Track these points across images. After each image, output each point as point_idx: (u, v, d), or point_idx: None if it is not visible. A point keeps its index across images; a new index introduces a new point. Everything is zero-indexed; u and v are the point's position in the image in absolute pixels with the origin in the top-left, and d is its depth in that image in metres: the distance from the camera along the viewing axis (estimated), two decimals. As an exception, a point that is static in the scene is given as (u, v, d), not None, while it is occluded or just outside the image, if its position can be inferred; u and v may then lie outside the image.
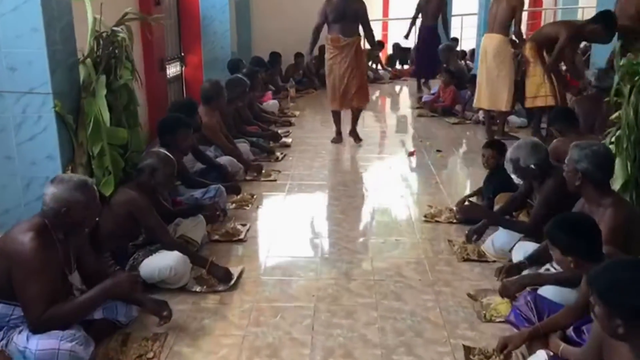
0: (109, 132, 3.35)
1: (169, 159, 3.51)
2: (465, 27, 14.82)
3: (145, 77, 6.00)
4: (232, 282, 3.40)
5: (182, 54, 7.93)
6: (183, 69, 7.97)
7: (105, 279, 2.69)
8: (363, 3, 6.43)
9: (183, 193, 4.44)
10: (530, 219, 3.61)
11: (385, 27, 15.32)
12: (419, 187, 5.31)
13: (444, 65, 9.17)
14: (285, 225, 4.41)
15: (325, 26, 6.50)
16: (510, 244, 3.59)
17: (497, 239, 3.66)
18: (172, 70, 7.52)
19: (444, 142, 7.04)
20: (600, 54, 6.48)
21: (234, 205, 4.72)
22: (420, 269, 3.68)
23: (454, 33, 13.58)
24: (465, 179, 5.58)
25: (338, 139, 6.83)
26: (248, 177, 5.48)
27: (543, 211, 3.50)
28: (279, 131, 7.26)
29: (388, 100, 10.66)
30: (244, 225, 4.33)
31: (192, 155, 4.66)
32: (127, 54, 3.57)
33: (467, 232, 3.90)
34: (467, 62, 11.27)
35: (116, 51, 3.50)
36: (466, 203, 4.59)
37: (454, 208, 4.55)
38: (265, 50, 9.94)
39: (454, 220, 4.40)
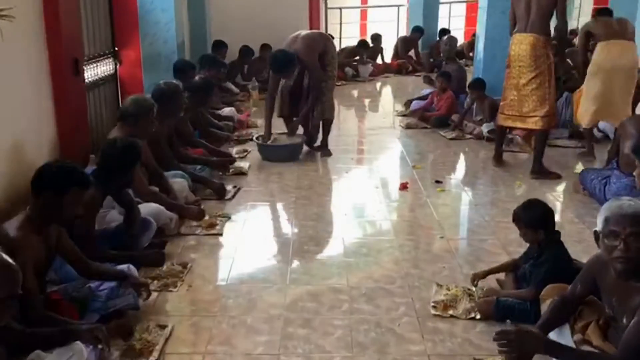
0: None
1: (8, 266, 1.99)
2: (454, 17, 13.45)
3: (52, 85, 4.55)
4: None
5: (116, 49, 6.34)
6: (117, 67, 6.38)
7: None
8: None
9: (73, 277, 2.92)
10: (622, 347, 2.17)
11: (364, 16, 13.80)
12: (419, 248, 3.81)
13: (444, 63, 7.76)
14: (228, 331, 2.90)
15: None
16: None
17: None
18: (103, 69, 5.98)
19: (441, 166, 5.61)
20: None
21: (152, 286, 3.19)
22: None
23: (441, 23, 12.22)
24: (483, 231, 4.09)
25: None
26: (184, 230, 3.97)
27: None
28: (234, 151, 5.77)
29: (368, 105, 9.13)
30: (162, 327, 2.83)
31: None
32: None
33: None
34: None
35: None
36: (488, 292, 3.12)
37: (475, 297, 3.12)
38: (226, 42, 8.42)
39: (478, 316, 2.98)
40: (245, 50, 8.77)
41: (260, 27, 9.09)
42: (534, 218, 2.97)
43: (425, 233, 4.06)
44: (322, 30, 10.74)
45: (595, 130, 6.30)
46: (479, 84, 6.41)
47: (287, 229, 4.11)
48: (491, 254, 3.70)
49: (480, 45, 7.02)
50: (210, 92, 5.64)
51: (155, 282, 3.26)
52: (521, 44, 4.95)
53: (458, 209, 4.63)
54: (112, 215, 3.66)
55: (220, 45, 8.30)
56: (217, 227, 4.01)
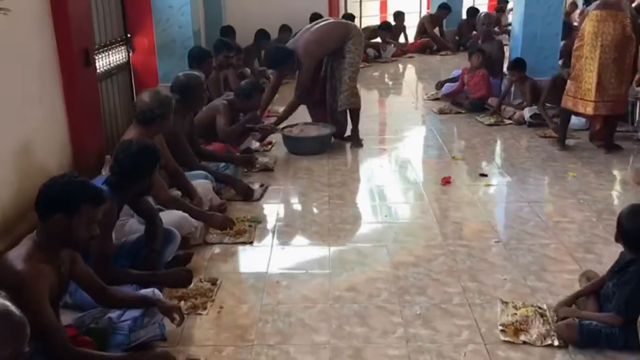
0: None
1: (13, 320, 1.60)
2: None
3: (62, 77, 4.19)
4: None
5: (128, 36, 5.94)
6: (130, 55, 5.99)
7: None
8: None
9: (90, 302, 2.55)
10: None
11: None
12: (474, 256, 3.38)
13: (479, 42, 7.27)
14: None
15: None
16: None
17: None
18: (115, 57, 5.63)
19: (483, 156, 5.17)
20: None
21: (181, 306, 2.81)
22: None
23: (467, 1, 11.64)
24: (542, 233, 3.64)
25: None
26: (210, 238, 3.59)
27: None
28: (257, 144, 5.36)
29: (394, 88, 8.63)
30: (193, 362, 2.46)
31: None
32: None
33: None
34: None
35: None
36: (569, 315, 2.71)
37: (548, 317, 2.72)
38: (242, 28, 7.94)
39: (556, 342, 2.57)
40: (262, 34, 8.27)
41: (277, 9, 8.64)
42: None
43: (478, 236, 3.64)
44: (342, 8, 10.26)
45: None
46: (519, 64, 5.91)
47: (324, 235, 3.69)
48: (557, 262, 3.29)
49: (517, 21, 6.48)
50: (259, 95, 5.15)
51: (182, 303, 2.89)
52: (607, 21, 4.57)
53: (509, 207, 4.18)
54: (131, 225, 3.28)
55: (227, 31, 7.78)
56: (246, 235, 3.63)
